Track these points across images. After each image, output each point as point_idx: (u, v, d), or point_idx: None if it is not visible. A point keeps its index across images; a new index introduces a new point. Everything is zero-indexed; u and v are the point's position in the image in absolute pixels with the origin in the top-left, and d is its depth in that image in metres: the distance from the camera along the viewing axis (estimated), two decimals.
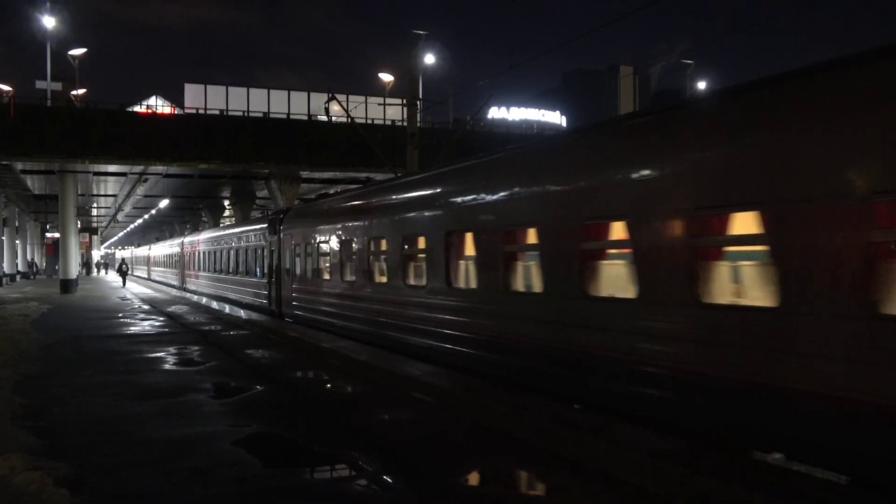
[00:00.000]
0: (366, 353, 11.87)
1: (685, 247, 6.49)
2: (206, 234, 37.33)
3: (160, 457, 6.36)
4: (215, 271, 32.10)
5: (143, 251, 77.38)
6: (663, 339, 6.69)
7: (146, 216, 70.49)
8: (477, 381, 9.20)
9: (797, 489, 4.74)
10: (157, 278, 56.18)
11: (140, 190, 48.42)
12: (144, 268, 70.25)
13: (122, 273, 48.76)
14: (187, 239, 41.94)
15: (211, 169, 37.36)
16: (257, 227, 25.14)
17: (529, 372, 8.84)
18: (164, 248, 54.51)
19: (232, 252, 28.64)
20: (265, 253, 22.90)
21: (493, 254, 9.71)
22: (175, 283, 44.49)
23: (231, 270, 28.79)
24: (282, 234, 20.74)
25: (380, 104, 41.89)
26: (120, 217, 72.66)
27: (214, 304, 27.21)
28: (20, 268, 57.70)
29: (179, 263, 42.99)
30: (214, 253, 32.42)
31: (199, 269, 36.63)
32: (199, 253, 36.78)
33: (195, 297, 31.59)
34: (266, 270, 22.69)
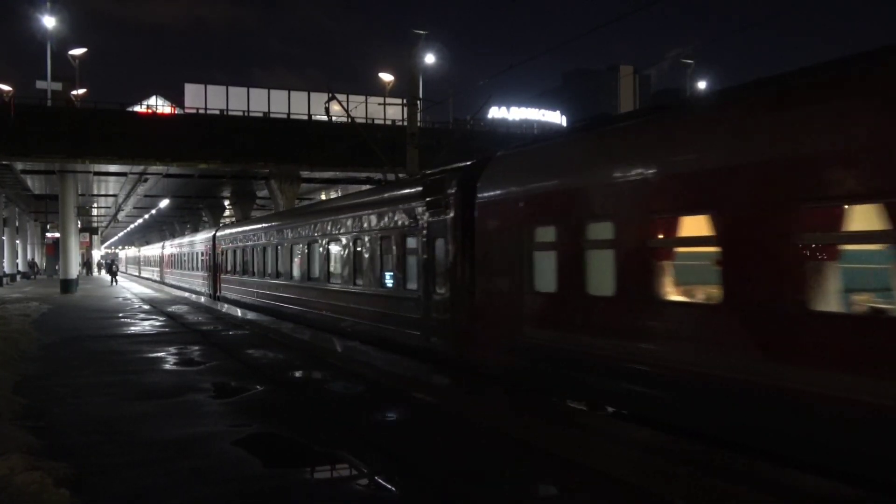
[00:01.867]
0: None
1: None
2: (257, 225, 25.87)
3: (160, 457, 6.36)
4: (279, 276, 21.71)
5: (152, 250, 65.09)
6: None
7: (146, 216, 70.55)
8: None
9: (797, 488, 4.74)
10: (175, 282, 44.46)
11: (140, 190, 48.51)
12: (154, 269, 58.72)
13: (112, 273, 53.31)
14: (222, 233, 31.45)
15: (211, 169, 37.39)
16: (393, 200, 14.05)
17: None
18: (184, 246, 43.02)
19: (317, 246, 18.12)
20: (413, 246, 12.85)
21: None
22: (201, 289, 34.79)
23: (315, 276, 18.45)
24: (479, 207, 10.56)
25: (380, 104, 41.95)
26: (120, 217, 72.72)
27: (221, 307, 27.01)
28: (20, 268, 57.72)
29: (209, 264, 33.14)
30: (278, 249, 22.01)
31: (244, 273, 26.05)
32: (245, 251, 26.06)
33: (237, 312, 22.94)
34: (423, 276, 12.25)
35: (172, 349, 13.83)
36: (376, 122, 42.50)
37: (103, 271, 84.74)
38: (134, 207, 63.44)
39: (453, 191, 11.40)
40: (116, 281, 50.73)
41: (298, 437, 7.11)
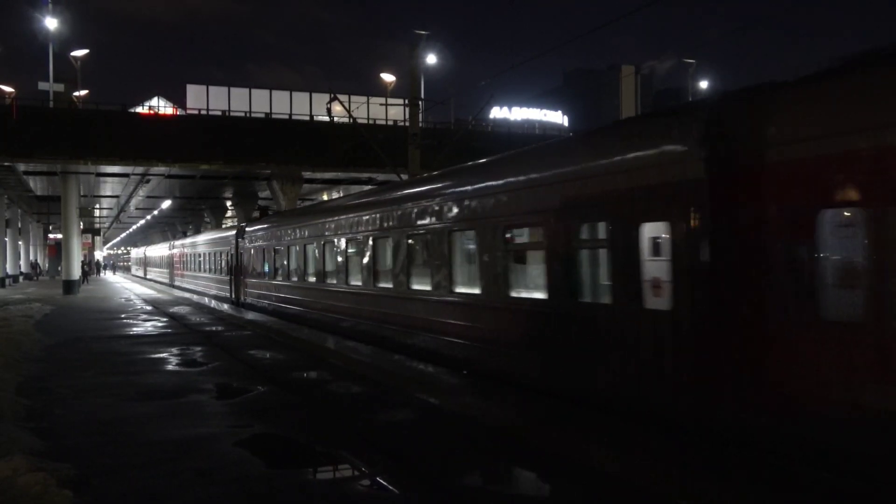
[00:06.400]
0: None
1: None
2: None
3: (163, 458, 6.38)
4: None
5: (201, 244, 37.64)
6: None
7: (148, 217, 70.65)
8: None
9: (797, 487, 4.74)
10: (280, 303, 21.50)
11: (142, 191, 48.55)
12: (201, 276, 36.46)
13: (84, 273, 54.28)
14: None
15: (213, 170, 37.37)
16: None
17: None
18: (330, 231, 16.87)
19: None
20: None
21: None
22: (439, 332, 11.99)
23: None
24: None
25: (382, 104, 41.82)
26: (122, 218, 72.81)
27: (213, 304, 27.00)
28: (23, 269, 57.81)
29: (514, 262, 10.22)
30: None
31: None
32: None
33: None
34: None
35: (175, 350, 13.86)
36: (378, 122, 42.47)
37: (106, 271, 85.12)
38: (136, 208, 63.49)
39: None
40: (88, 281, 52.46)
41: (299, 438, 7.12)
